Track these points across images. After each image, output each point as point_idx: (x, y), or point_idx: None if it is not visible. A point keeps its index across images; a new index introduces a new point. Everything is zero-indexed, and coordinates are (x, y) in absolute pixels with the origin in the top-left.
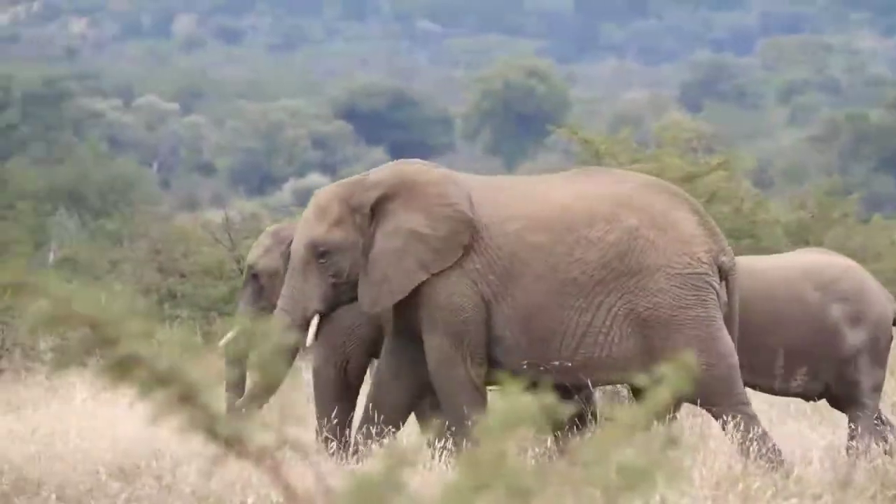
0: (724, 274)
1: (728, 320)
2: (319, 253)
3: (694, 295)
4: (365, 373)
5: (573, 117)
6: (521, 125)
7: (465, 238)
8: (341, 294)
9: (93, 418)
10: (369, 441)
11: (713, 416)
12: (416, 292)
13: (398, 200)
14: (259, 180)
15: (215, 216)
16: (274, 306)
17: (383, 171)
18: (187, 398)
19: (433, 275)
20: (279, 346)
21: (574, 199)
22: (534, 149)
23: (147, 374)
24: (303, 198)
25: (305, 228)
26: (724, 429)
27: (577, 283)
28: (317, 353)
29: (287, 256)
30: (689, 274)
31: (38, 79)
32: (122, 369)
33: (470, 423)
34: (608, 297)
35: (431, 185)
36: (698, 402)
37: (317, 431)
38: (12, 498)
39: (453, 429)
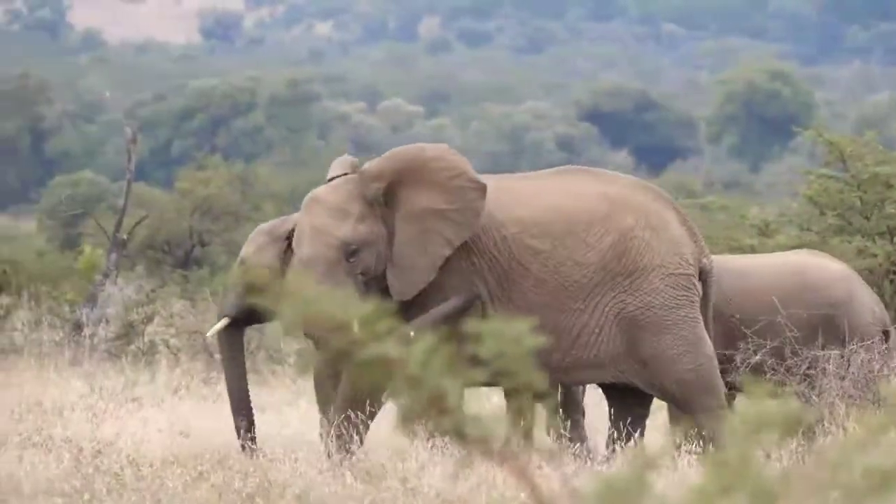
0: (704, 276)
1: (703, 321)
2: (350, 252)
3: (684, 295)
4: None
5: (818, 119)
6: (765, 127)
7: (480, 204)
8: (370, 289)
9: None
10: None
11: (692, 416)
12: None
13: (407, 184)
14: None
15: None
16: None
17: (381, 161)
18: (436, 400)
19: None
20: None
21: (569, 200)
22: (779, 151)
23: (395, 375)
24: None
25: (324, 232)
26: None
27: (578, 285)
28: None
29: (284, 254)
30: (680, 274)
31: (283, 81)
32: (369, 371)
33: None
34: (603, 298)
35: (435, 161)
36: (678, 402)
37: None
38: (257, 500)
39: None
